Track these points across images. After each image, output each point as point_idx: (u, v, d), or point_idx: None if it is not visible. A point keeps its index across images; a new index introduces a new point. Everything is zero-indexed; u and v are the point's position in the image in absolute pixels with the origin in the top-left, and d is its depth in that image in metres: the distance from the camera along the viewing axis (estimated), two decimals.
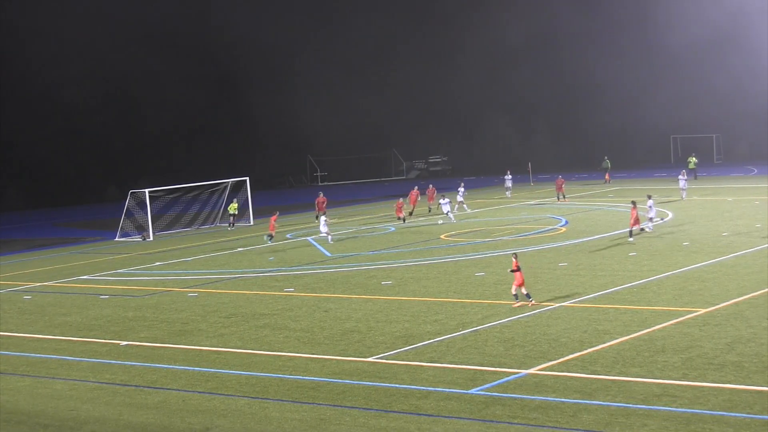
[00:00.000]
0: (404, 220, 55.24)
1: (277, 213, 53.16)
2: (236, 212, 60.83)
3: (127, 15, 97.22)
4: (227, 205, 62.13)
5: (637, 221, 42.41)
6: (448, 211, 54.52)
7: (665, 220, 48.90)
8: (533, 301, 29.23)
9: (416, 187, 62.50)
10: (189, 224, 62.26)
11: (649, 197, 45.84)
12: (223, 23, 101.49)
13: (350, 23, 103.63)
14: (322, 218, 49.84)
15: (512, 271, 29.30)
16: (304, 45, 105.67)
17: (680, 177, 58.03)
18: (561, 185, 62.60)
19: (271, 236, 50.88)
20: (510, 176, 69.50)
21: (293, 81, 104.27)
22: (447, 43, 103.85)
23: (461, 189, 60.90)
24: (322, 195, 60.58)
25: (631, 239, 42.06)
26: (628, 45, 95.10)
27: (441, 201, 54.57)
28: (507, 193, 68.30)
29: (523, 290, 29.38)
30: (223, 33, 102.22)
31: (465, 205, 60.00)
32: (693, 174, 71.45)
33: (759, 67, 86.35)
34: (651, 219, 44.23)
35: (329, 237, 48.81)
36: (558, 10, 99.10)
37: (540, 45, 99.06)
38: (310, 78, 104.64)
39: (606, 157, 77.66)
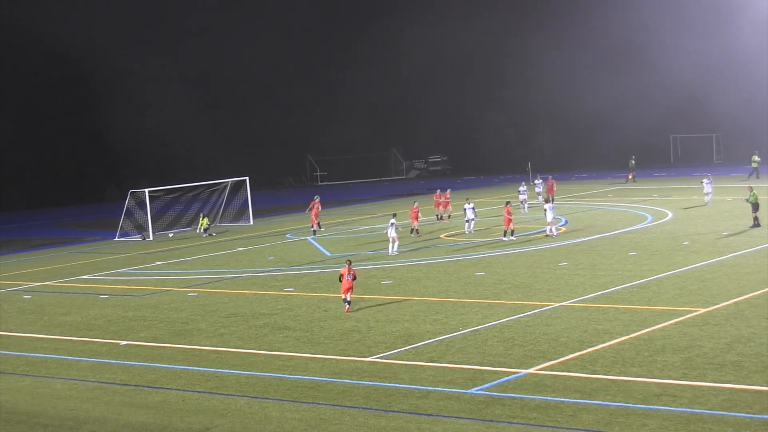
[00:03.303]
0: (418, 232, 49.07)
1: (317, 198, 54.32)
2: (208, 224, 58.76)
3: (128, 13, 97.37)
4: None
5: (510, 221, 44.66)
6: (470, 219, 48.54)
7: (665, 219, 48.91)
8: (348, 308, 30.26)
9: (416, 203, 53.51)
10: (189, 224, 62.24)
11: (547, 201, 46.63)
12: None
13: (350, 23, 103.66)
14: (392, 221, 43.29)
15: (340, 278, 30.38)
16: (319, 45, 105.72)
17: (705, 181, 54.64)
18: (552, 186, 60.39)
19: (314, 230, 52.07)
20: (540, 181, 63.54)
21: (297, 78, 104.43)
22: (447, 43, 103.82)
23: (523, 188, 58.04)
24: (317, 199, 54.42)
25: (512, 237, 44.36)
26: (626, 44, 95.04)
27: (465, 206, 49.15)
28: (540, 197, 62.14)
29: (348, 296, 30.30)
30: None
31: (526, 205, 57.12)
32: (756, 173, 68.20)
33: (759, 66, 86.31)
34: (550, 223, 45.32)
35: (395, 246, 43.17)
36: (558, 11, 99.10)
37: (540, 45, 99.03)
38: (310, 76, 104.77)
39: (633, 157, 77.14)
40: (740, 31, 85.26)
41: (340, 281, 30.57)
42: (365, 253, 44.21)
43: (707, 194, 54.20)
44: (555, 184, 61.80)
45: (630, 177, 74.87)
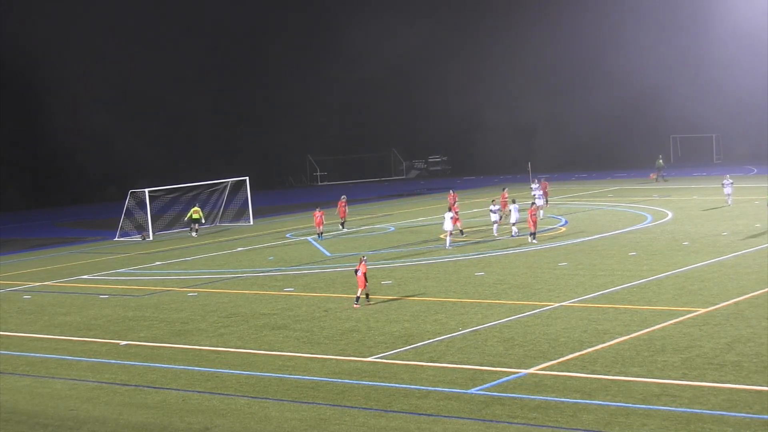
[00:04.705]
0: (462, 232, 46.97)
1: (344, 198, 54.99)
2: (201, 217, 58.21)
3: (120, 17, 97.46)
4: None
5: (535, 223, 43.56)
6: (496, 222, 46.44)
7: (665, 219, 48.92)
8: (369, 304, 30.98)
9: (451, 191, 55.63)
10: (188, 224, 62.15)
11: (514, 201, 46.50)
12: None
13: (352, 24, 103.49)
14: (448, 214, 43.80)
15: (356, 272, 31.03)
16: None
17: (725, 182, 53.04)
18: (545, 187, 57.69)
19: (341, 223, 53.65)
20: (537, 185, 56.69)
21: (298, 78, 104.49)
22: (447, 45, 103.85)
23: (535, 185, 54.58)
24: (343, 199, 55.16)
25: (534, 240, 43.00)
26: (628, 45, 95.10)
27: (491, 208, 46.82)
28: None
29: (359, 293, 30.89)
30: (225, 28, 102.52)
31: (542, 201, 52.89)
32: None
33: (759, 66, 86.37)
34: (514, 223, 45.48)
35: (448, 242, 43.48)
36: (560, 11, 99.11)
37: (541, 45, 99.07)
38: (312, 78, 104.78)
39: (660, 156, 76.90)
40: (724, 32, 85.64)
41: (356, 275, 31.07)
42: (365, 253, 44.13)
43: (728, 195, 52.81)
44: (548, 186, 60.47)
45: (653, 176, 73.50)
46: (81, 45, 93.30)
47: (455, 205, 47.39)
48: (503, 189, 53.48)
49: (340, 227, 54.47)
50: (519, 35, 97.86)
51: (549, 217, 52.90)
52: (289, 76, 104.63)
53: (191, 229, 58.19)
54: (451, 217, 43.85)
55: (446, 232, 43.92)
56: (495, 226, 46.55)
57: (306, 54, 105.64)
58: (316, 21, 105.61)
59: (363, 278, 30.75)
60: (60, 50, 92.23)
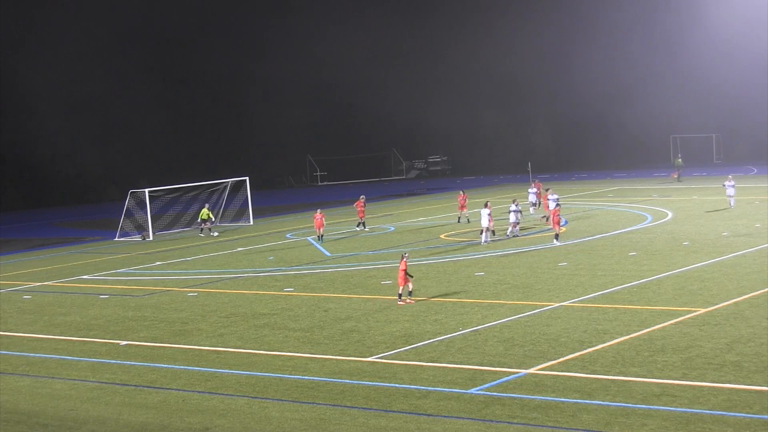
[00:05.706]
0: (494, 233, 45.54)
1: (363, 197, 55.03)
2: (210, 217, 57.94)
3: (120, 17, 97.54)
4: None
5: (557, 222, 43.01)
6: (516, 222, 45.85)
7: (665, 219, 48.91)
8: (408, 300, 30.98)
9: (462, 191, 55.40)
10: (189, 224, 62.22)
11: (514, 201, 46.26)
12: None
13: (367, 24, 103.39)
14: (485, 211, 43.66)
15: (405, 271, 30.87)
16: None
17: (727, 183, 51.41)
18: (539, 189, 57.35)
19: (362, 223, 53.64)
20: (534, 189, 57.23)
21: (291, 78, 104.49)
22: (447, 44, 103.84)
23: (533, 189, 54.42)
24: (362, 199, 55.25)
25: (556, 242, 42.28)
26: (629, 45, 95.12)
27: (511, 208, 45.77)
28: (532, 208, 56.77)
29: (401, 289, 31.06)
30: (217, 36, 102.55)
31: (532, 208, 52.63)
32: None
33: (759, 66, 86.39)
34: (516, 224, 45.55)
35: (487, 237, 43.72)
36: (559, 11, 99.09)
37: (542, 46, 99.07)
38: (312, 78, 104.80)
39: (679, 155, 76.82)
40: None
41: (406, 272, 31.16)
42: (365, 253, 44.21)
43: (731, 197, 51.09)
44: (542, 186, 59.80)
45: (675, 176, 73.06)
46: (79, 43, 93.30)
47: (489, 203, 45.87)
48: (546, 189, 52.68)
49: (363, 227, 53.90)
50: (516, 34, 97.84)
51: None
52: (289, 76, 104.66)
53: (210, 229, 57.86)
54: (488, 214, 43.69)
55: (483, 228, 43.84)
56: (510, 227, 46.10)
57: (305, 54, 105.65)
58: (315, 21, 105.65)
59: (402, 275, 30.68)
60: (58, 49, 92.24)
